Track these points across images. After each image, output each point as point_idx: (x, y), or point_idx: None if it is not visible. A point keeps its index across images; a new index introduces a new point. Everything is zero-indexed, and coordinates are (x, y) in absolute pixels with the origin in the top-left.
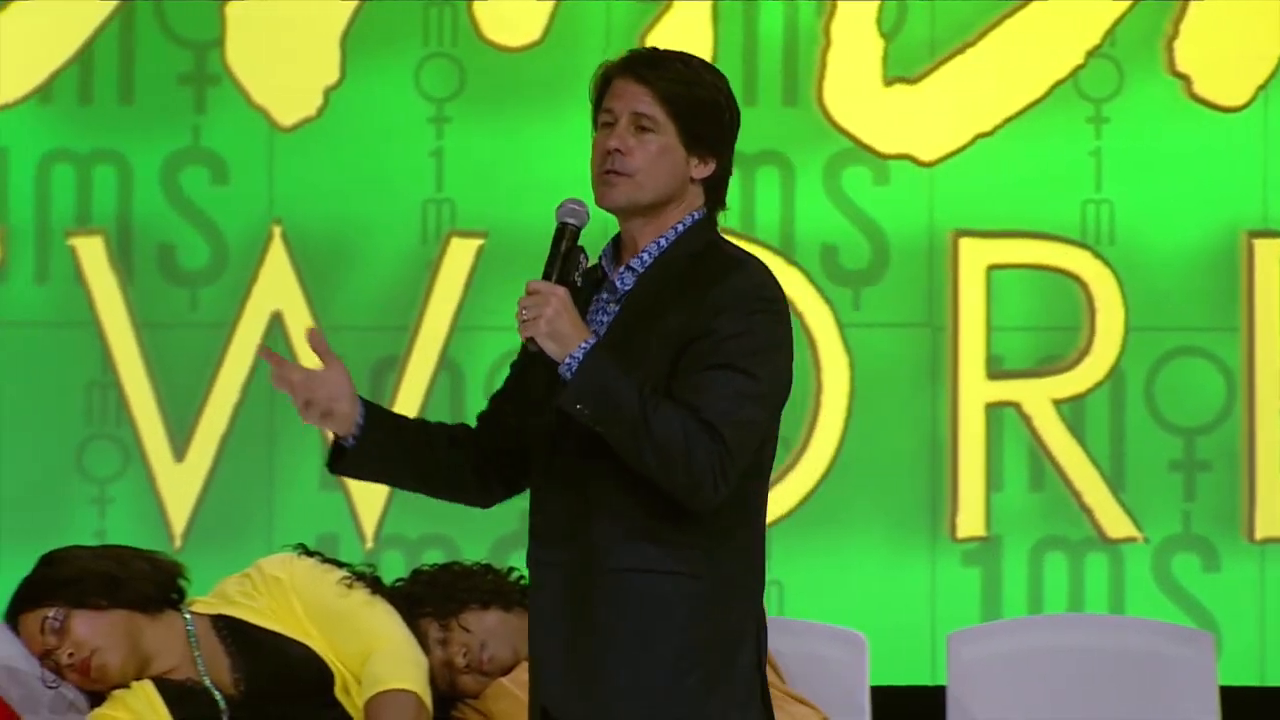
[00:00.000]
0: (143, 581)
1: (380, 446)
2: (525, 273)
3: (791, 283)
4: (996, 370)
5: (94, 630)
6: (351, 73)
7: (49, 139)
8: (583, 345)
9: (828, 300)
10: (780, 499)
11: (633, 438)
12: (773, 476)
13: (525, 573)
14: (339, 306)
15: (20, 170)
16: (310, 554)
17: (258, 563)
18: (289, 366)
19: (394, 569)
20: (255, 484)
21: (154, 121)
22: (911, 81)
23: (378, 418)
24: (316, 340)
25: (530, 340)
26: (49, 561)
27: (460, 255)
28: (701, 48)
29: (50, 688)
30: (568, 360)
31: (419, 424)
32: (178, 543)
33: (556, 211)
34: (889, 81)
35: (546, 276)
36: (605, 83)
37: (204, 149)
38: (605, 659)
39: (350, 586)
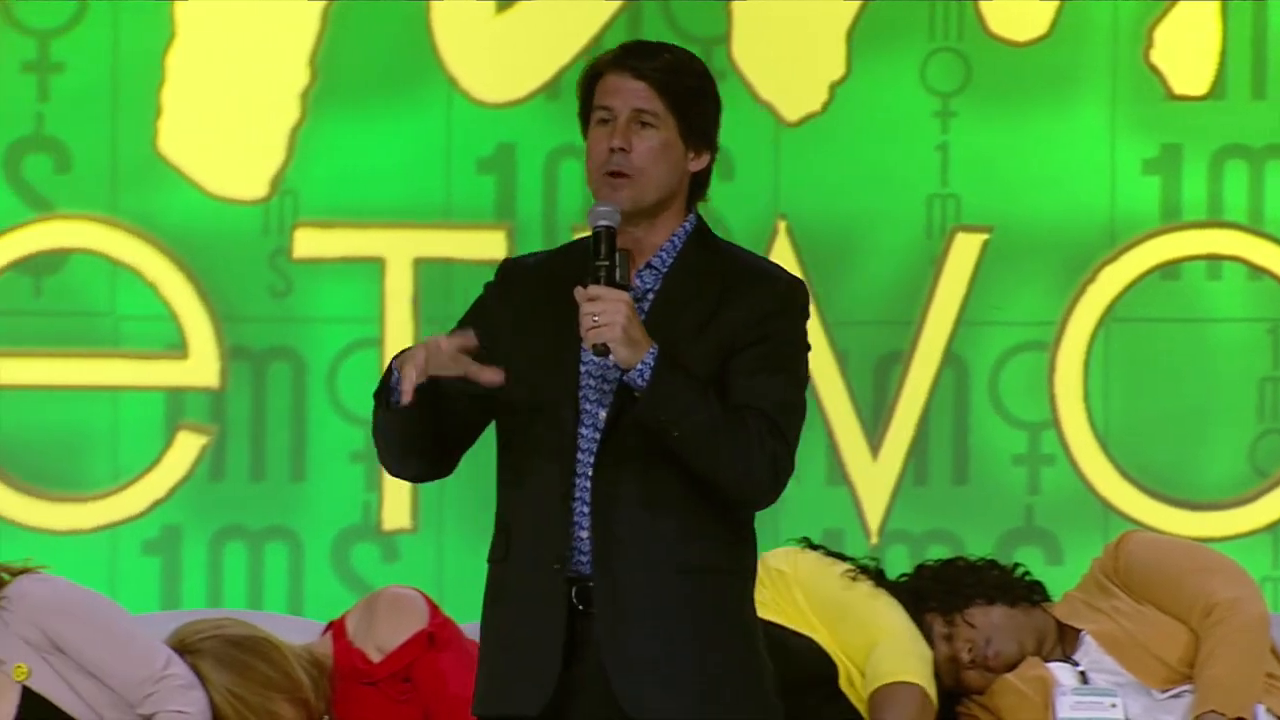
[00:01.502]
0: None
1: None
2: (1031, 268)
3: None
4: None
5: None
6: (857, 68)
7: (557, 135)
8: (651, 351)
9: None
10: None
11: (711, 442)
12: None
13: (1030, 569)
14: (843, 301)
15: (528, 166)
16: (814, 548)
17: (762, 556)
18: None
19: (898, 564)
20: None
21: None
22: None
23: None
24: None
25: (601, 346)
26: None
27: (966, 250)
28: (1209, 43)
29: None
30: (639, 367)
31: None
32: None
33: (588, 218)
34: None
35: (596, 282)
36: (594, 79)
37: None
38: (680, 658)
39: (854, 580)
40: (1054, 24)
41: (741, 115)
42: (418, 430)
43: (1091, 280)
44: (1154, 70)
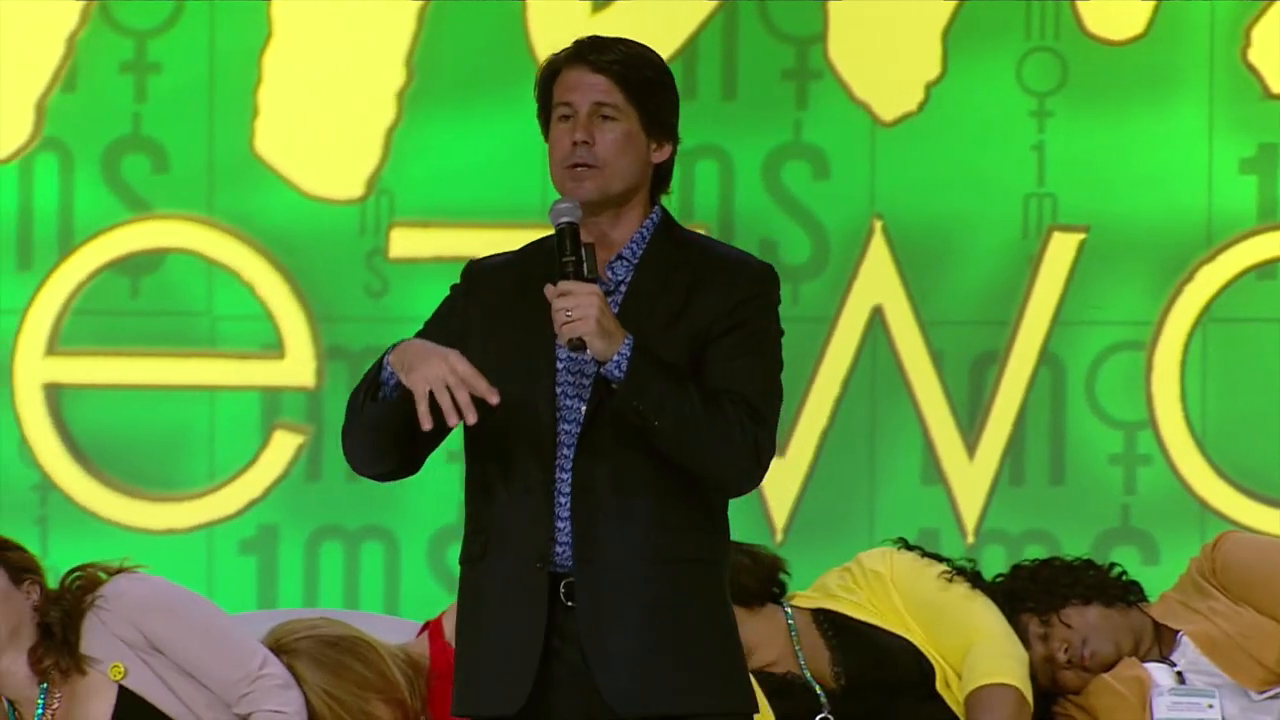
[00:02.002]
0: (744, 575)
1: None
2: (1128, 268)
3: None
4: None
5: None
6: (953, 68)
7: None
8: (627, 342)
9: None
10: None
11: (691, 430)
12: None
13: (1127, 569)
14: (939, 301)
15: None
16: (910, 548)
17: (858, 557)
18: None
19: (995, 564)
20: (856, 479)
21: (756, 117)
22: None
23: None
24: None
25: (577, 340)
26: None
27: (1062, 249)
28: None
29: None
30: (615, 359)
31: None
32: (779, 537)
33: (550, 217)
34: None
35: (565, 277)
36: (552, 77)
37: (805, 144)
38: (661, 650)
39: (950, 581)
40: (1151, 23)
41: (837, 115)
42: (402, 425)
43: (1189, 280)
44: (1251, 69)
